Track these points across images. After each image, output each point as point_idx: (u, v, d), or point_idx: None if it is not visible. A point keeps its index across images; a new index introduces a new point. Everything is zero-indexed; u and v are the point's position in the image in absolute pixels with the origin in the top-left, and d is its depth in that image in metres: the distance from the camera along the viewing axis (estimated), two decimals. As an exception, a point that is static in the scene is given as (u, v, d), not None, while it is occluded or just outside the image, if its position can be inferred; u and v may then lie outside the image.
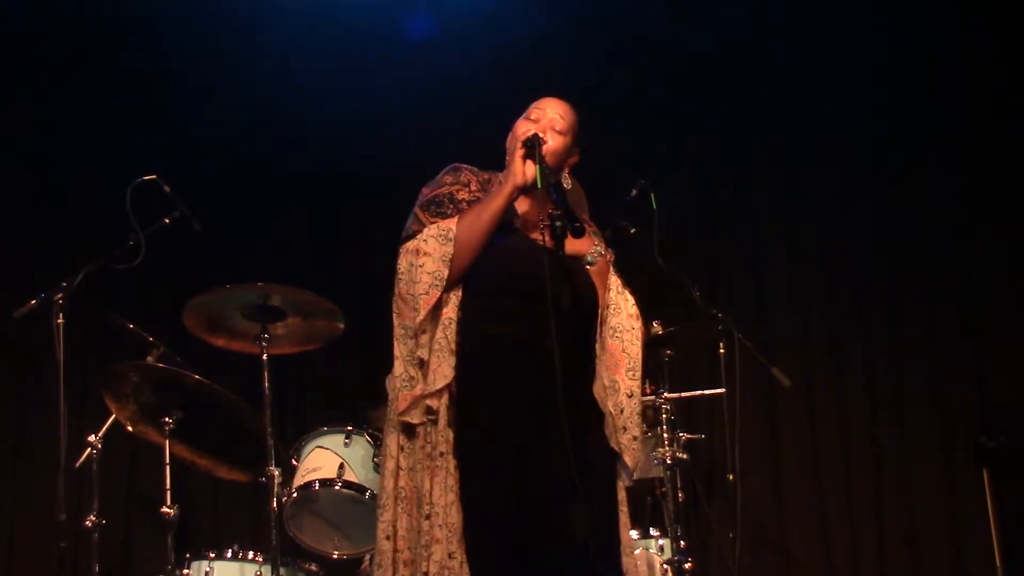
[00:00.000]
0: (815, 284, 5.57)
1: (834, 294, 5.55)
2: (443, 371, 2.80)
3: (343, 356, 5.45)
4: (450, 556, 2.71)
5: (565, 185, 3.00)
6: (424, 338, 2.83)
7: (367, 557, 4.22)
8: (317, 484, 4.06)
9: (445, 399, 2.81)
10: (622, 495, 2.97)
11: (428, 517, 2.75)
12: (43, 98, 5.57)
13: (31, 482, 5.14)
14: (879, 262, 5.52)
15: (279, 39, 5.68)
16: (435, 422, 2.80)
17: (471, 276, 2.87)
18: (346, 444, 4.13)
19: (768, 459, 5.42)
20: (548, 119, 3.01)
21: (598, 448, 2.90)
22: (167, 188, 4.14)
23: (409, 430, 2.84)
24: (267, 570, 3.92)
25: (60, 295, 3.90)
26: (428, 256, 2.84)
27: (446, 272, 2.82)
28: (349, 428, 4.17)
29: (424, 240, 2.86)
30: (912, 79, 5.56)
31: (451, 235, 2.84)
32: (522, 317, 2.83)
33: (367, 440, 4.15)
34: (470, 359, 2.82)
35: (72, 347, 4.00)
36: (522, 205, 2.98)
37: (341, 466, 4.04)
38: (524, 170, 2.85)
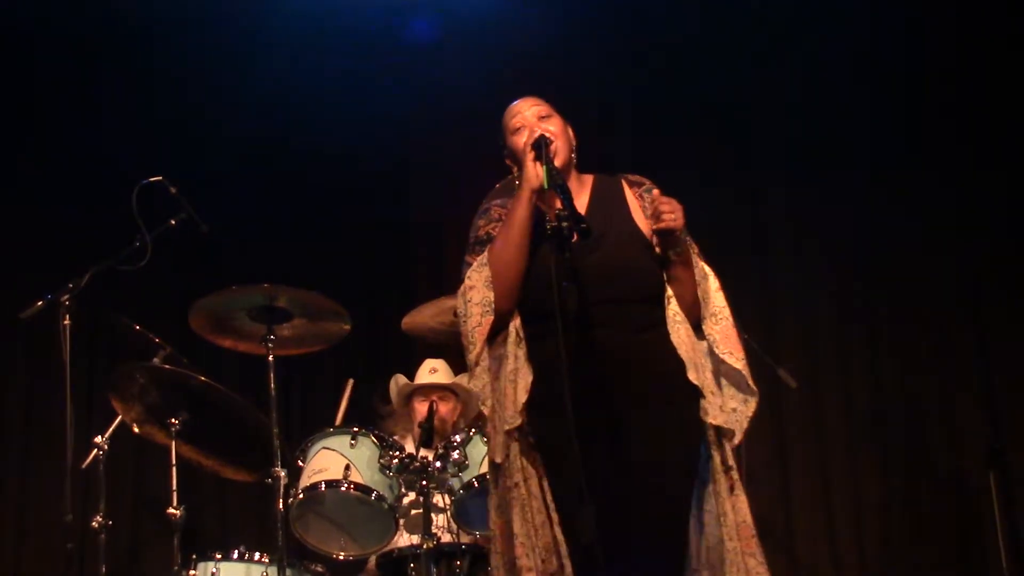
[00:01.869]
0: (821, 285, 5.57)
1: (841, 295, 5.54)
2: (514, 398, 2.78)
3: (349, 357, 5.45)
4: None
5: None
6: (478, 370, 2.85)
7: (372, 558, 4.23)
8: (323, 485, 4.06)
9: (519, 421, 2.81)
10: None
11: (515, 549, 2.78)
12: (48, 98, 5.58)
13: (38, 483, 5.16)
14: (886, 263, 5.51)
15: (284, 41, 5.68)
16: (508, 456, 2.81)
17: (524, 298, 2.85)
18: (352, 445, 4.12)
19: (774, 460, 5.41)
20: (531, 115, 3.02)
21: (668, 444, 2.83)
22: (173, 190, 4.14)
23: (497, 468, 2.86)
24: (273, 571, 3.92)
25: (66, 296, 3.90)
26: (473, 288, 2.86)
27: (492, 295, 2.82)
28: (355, 429, 4.17)
29: (468, 276, 2.89)
30: (915, 80, 5.55)
31: (486, 260, 2.87)
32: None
33: (373, 441, 4.14)
34: (537, 375, 2.80)
35: (78, 348, 4.01)
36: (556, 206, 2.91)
37: (347, 467, 4.03)
38: (537, 172, 2.85)
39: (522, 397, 2.78)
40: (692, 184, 5.56)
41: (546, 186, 2.82)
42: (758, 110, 5.73)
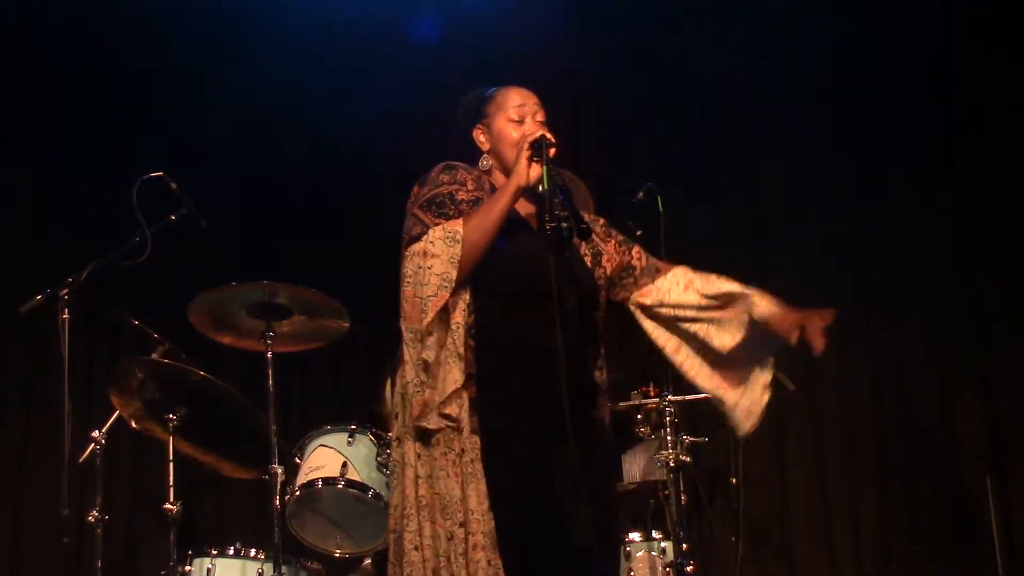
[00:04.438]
0: (820, 288, 5.56)
1: (839, 298, 5.53)
2: (453, 376, 2.79)
3: (348, 355, 5.45)
4: (488, 563, 2.73)
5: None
6: (431, 340, 2.82)
7: (369, 556, 4.23)
8: (320, 482, 4.07)
9: (466, 405, 2.80)
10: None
11: (463, 524, 2.75)
12: (49, 93, 5.58)
13: (35, 477, 5.15)
14: (885, 266, 5.51)
15: (284, 38, 5.68)
16: (459, 430, 2.80)
17: (478, 277, 2.86)
18: (349, 443, 4.13)
19: (771, 462, 5.41)
20: (535, 112, 3.07)
21: (599, 447, 2.93)
22: (174, 185, 4.14)
23: (425, 436, 2.83)
24: (269, 568, 3.93)
25: (66, 291, 3.90)
26: (436, 258, 2.83)
27: (454, 274, 2.81)
28: (352, 427, 4.18)
29: (431, 242, 2.85)
30: (917, 79, 5.55)
31: (458, 236, 2.83)
32: (531, 317, 2.83)
33: (370, 439, 4.15)
34: (485, 363, 2.83)
35: (77, 343, 4.00)
36: (525, 204, 2.99)
37: (344, 465, 4.04)
38: (528, 171, 2.87)
39: (459, 377, 2.79)
40: (690, 184, 5.57)
41: (545, 187, 2.83)
42: (758, 109, 5.72)
